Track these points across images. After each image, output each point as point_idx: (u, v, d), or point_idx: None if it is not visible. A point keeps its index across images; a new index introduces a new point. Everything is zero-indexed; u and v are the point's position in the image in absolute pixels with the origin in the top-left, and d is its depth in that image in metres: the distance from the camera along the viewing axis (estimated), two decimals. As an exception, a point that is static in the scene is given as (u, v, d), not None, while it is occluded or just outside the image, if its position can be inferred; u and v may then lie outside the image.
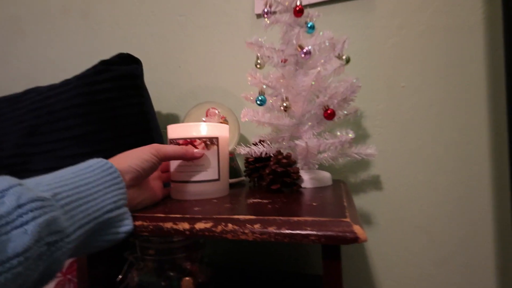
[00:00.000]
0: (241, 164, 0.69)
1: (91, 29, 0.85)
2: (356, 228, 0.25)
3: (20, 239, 0.20)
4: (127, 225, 0.31)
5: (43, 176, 0.27)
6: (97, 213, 0.28)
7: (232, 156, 0.61)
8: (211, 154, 0.41)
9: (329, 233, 0.25)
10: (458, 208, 0.58)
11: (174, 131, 0.43)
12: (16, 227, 0.20)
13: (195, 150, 0.40)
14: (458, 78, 0.58)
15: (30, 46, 0.93)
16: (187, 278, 0.39)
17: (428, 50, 0.59)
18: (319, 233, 0.25)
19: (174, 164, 0.42)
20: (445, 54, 0.59)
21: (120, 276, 0.40)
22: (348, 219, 0.26)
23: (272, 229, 0.27)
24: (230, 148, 0.63)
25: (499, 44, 0.55)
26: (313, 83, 0.44)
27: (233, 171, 0.59)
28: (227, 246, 0.70)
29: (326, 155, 0.53)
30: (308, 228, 0.26)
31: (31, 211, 0.21)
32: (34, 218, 0.21)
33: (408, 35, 0.60)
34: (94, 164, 0.31)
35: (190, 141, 0.40)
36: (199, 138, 0.40)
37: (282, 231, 0.26)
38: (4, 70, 0.99)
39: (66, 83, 0.67)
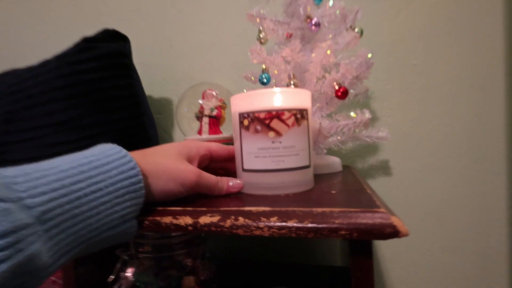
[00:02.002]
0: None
1: (71, 5, 0.77)
2: (395, 220, 0.21)
3: None
4: (128, 238, 0.25)
5: (45, 169, 0.21)
6: (93, 233, 0.22)
7: (232, 142, 0.56)
8: (301, 131, 0.30)
9: (362, 226, 0.21)
10: (471, 193, 0.55)
11: (247, 101, 0.31)
12: None
13: (238, 182, 0.31)
14: (475, 54, 0.54)
15: (3, 24, 0.85)
16: (188, 277, 0.35)
17: (442, 24, 0.55)
18: (350, 226, 0.21)
19: (247, 146, 0.31)
20: (461, 27, 0.54)
21: (112, 276, 0.36)
22: (383, 209, 0.22)
23: (292, 223, 0.22)
24: (230, 133, 0.59)
25: (520, 16, 0.51)
26: (328, 52, 0.39)
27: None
28: (229, 240, 0.66)
29: (335, 139, 0.49)
30: (337, 221, 0.22)
31: (1, 250, 0.16)
32: (2, 261, 0.16)
33: (421, 7, 0.56)
34: (112, 159, 0.24)
35: (277, 114, 0.29)
36: (288, 110, 0.30)
37: (305, 225, 0.22)
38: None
39: (45, 63, 0.61)
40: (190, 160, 0.30)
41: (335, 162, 0.47)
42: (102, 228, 0.22)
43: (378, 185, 0.59)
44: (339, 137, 0.48)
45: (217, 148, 0.34)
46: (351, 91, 0.50)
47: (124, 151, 0.25)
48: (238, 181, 0.32)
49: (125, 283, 0.34)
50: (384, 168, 0.59)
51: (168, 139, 0.73)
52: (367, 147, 0.59)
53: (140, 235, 0.36)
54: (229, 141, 0.55)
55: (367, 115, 0.41)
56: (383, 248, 0.59)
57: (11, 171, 0.19)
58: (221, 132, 0.56)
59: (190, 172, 0.28)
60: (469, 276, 0.55)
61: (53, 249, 0.19)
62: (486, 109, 0.54)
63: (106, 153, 0.24)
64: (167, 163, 0.28)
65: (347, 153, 0.61)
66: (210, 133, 0.55)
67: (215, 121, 0.56)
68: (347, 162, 0.61)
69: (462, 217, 0.55)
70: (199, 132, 0.56)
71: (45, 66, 0.60)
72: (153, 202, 0.28)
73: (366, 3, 0.58)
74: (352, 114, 0.42)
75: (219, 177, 0.31)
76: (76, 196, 0.21)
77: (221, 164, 0.37)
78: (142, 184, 0.25)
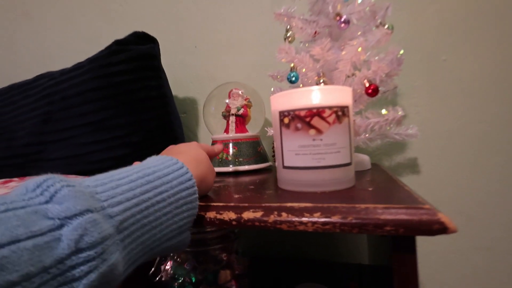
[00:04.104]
0: (267, 149, 0.65)
1: (99, 9, 0.80)
2: (442, 217, 0.21)
3: None
4: (182, 249, 0.26)
5: (117, 178, 0.21)
6: (156, 243, 0.23)
7: (258, 140, 0.57)
8: (342, 129, 0.30)
9: (409, 223, 0.21)
10: (503, 192, 0.53)
11: (286, 99, 0.32)
12: (63, 284, 0.15)
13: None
14: (506, 49, 0.52)
15: (37, 30, 0.89)
16: (225, 270, 0.36)
17: (473, 18, 0.54)
18: (396, 222, 0.21)
19: (288, 143, 0.31)
20: (492, 22, 0.53)
21: (152, 269, 0.37)
22: (428, 206, 0.22)
23: (337, 219, 0.23)
24: (256, 131, 0.60)
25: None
26: (360, 50, 0.39)
27: (260, 156, 0.55)
28: (259, 237, 0.67)
29: (363, 136, 0.48)
30: (381, 217, 0.22)
31: (89, 261, 0.16)
32: (88, 273, 0.16)
33: (451, 1, 0.54)
34: (172, 170, 0.25)
35: (317, 112, 0.30)
36: (329, 108, 0.30)
37: (349, 221, 0.23)
38: (11, 56, 0.95)
39: (78, 66, 0.63)
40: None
41: (365, 160, 0.47)
42: (163, 239, 0.23)
43: (405, 183, 0.58)
44: (367, 135, 0.48)
45: (206, 146, 0.37)
46: (380, 88, 0.49)
47: (180, 162, 0.26)
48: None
49: (165, 275, 0.36)
50: (411, 166, 0.58)
51: (193, 137, 0.75)
52: (393, 145, 0.59)
53: (178, 230, 0.38)
54: (254, 139, 0.56)
55: (400, 112, 0.41)
56: (411, 246, 0.59)
57: (90, 182, 0.20)
58: (247, 131, 0.57)
59: (214, 174, 0.32)
60: (502, 276, 0.54)
61: (126, 258, 0.20)
62: (521, 105, 0.52)
63: (165, 164, 0.25)
64: (207, 171, 0.30)
65: (373, 151, 0.60)
66: (236, 131, 0.56)
67: (242, 120, 0.57)
68: (374, 160, 0.60)
69: (494, 216, 0.54)
70: (226, 131, 0.57)
71: (79, 69, 0.63)
72: None
73: (393, -2, 0.57)
74: (384, 111, 0.42)
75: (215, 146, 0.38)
76: (146, 206, 0.21)
77: None
78: (196, 196, 0.25)
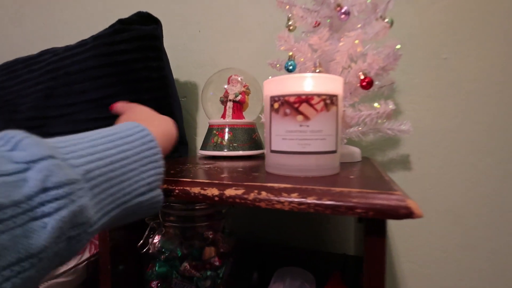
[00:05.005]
0: (262, 137, 0.66)
1: (107, -12, 0.80)
2: (410, 203, 0.22)
3: (36, 235, 0.16)
4: (157, 207, 0.27)
5: (78, 138, 0.22)
6: (127, 197, 0.24)
7: (254, 127, 0.58)
8: (330, 117, 0.31)
9: (378, 206, 0.22)
10: (492, 193, 0.54)
11: (278, 85, 0.32)
12: (35, 219, 0.16)
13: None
14: (509, 51, 0.52)
15: (45, 5, 0.90)
16: (209, 247, 0.37)
17: (476, 18, 0.53)
18: (366, 205, 0.22)
19: (276, 128, 0.32)
20: (495, 22, 0.52)
21: (141, 241, 0.39)
22: (399, 192, 0.23)
23: (312, 199, 0.24)
24: (253, 119, 0.60)
25: None
26: (357, 42, 0.39)
27: (254, 143, 0.56)
28: (247, 219, 0.69)
29: (356, 129, 0.49)
30: (354, 200, 0.23)
31: (57, 199, 0.17)
32: (58, 210, 0.17)
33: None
34: (134, 132, 0.26)
35: (306, 98, 0.30)
36: (318, 95, 0.31)
37: (324, 202, 0.24)
38: (18, 31, 0.96)
39: (82, 43, 0.64)
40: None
41: (355, 152, 0.48)
42: (133, 193, 0.24)
43: (396, 179, 0.59)
44: (360, 128, 0.49)
45: None
46: (376, 82, 0.50)
47: (141, 125, 0.27)
48: None
49: (152, 248, 0.38)
50: (404, 162, 0.59)
51: (192, 121, 0.76)
52: (387, 140, 0.59)
53: (167, 206, 0.39)
54: (251, 126, 0.57)
55: (391, 106, 0.41)
56: (397, 241, 0.60)
57: (51, 140, 0.21)
58: (243, 117, 0.58)
59: (173, 123, 0.34)
60: (484, 274, 0.55)
61: (97, 207, 0.21)
62: (516, 108, 0.52)
63: (127, 126, 0.27)
64: (163, 125, 0.32)
65: (367, 145, 0.61)
66: (233, 117, 0.57)
67: (239, 106, 0.58)
68: (366, 154, 0.61)
69: (480, 216, 0.55)
70: (223, 116, 0.58)
71: (83, 46, 0.63)
72: None
73: (398, -7, 0.56)
74: (376, 104, 0.43)
75: None
76: (109, 161, 0.23)
77: None
78: (161, 155, 0.27)
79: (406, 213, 0.21)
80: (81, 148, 0.22)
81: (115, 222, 0.24)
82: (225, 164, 0.45)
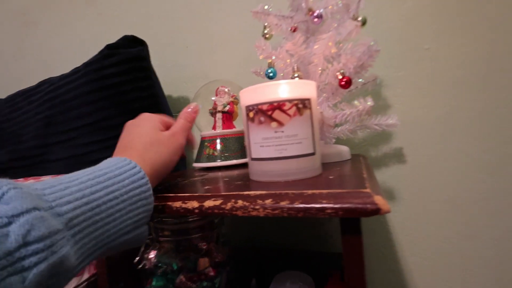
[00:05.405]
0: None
1: (96, 14, 0.83)
2: (377, 199, 0.22)
3: None
4: (141, 242, 0.27)
5: (67, 181, 0.23)
6: (111, 237, 0.24)
7: (244, 135, 0.59)
8: (303, 120, 0.32)
9: (347, 205, 0.23)
10: (490, 178, 0.53)
11: (252, 94, 0.33)
12: (14, 274, 0.17)
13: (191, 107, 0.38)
14: (490, 35, 0.52)
15: (41, 37, 0.94)
16: (203, 258, 0.38)
17: (455, 5, 0.53)
18: (336, 205, 0.23)
19: (253, 136, 0.33)
20: (474, 8, 0.52)
21: (137, 258, 0.40)
22: (368, 190, 0.24)
23: (284, 204, 0.25)
24: (242, 127, 0.61)
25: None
26: (330, 44, 0.40)
27: (244, 150, 0.57)
28: (246, 226, 0.69)
29: (344, 128, 0.49)
30: (324, 201, 0.24)
31: (37, 253, 0.18)
32: (37, 263, 0.18)
33: (432, -10, 0.54)
34: (124, 170, 0.26)
35: (278, 105, 0.31)
36: (289, 101, 0.32)
37: (295, 205, 0.24)
38: (18, 63, 1.01)
39: (75, 71, 0.67)
40: (160, 127, 0.34)
41: (343, 150, 0.48)
42: (118, 233, 0.25)
43: (392, 173, 0.59)
44: (347, 126, 0.49)
45: (166, 117, 0.37)
46: (360, 80, 0.50)
47: (133, 162, 0.27)
48: (192, 105, 0.39)
49: (148, 263, 0.39)
50: (397, 156, 0.59)
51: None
52: (379, 135, 0.59)
53: (160, 221, 0.41)
54: (241, 135, 0.58)
55: (369, 102, 0.42)
56: (400, 236, 0.59)
57: (38, 185, 0.22)
58: (234, 127, 0.59)
59: (176, 139, 0.34)
60: (489, 262, 0.54)
61: (78, 252, 0.22)
62: (501, 93, 0.52)
63: (117, 165, 0.26)
64: (162, 151, 0.31)
65: (360, 142, 0.61)
66: (223, 127, 0.58)
67: (228, 116, 0.59)
68: (360, 151, 0.61)
69: (480, 203, 0.54)
70: (214, 127, 0.59)
71: (76, 73, 0.66)
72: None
73: (374, -11, 0.57)
74: (356, 102, 0.43)
75: (179, 119, 0.37)
76: (96, 204, 0.23)
77: None
78: (151, 192, 0.27)
79: (373, 210, 0.22)
80: (68, 193, 0.22)
81: (97, 258, 0.25)
82: (219, 174, 0.46)
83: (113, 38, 0.64)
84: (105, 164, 0.27)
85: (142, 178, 0.27)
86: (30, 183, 0.22)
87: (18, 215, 0.18)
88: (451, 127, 0.55)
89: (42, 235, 0.18)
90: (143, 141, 0.31)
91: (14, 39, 0.99)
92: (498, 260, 0.53)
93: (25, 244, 0.17)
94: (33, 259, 0.17)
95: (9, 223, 0.17)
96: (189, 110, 0.39)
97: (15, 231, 0.17)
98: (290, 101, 0.32)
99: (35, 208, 0.19)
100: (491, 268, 0.53)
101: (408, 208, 0.58)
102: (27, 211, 0.18)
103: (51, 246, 0.19)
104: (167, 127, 0.36)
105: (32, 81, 0.78)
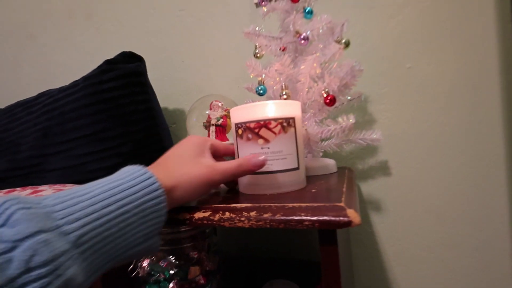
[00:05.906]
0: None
1: (95, 30, 0.86)
2: (350, 212, 0.25)
3: None
4: (153, 252, 0.27)
5: (79, 195, 0.23)
6: (121, 251, 0.24)
7: (237, 148, 0.61)
8: (288, 138, 0.34)
9: (323, 217, 0.25)
10: (470, 190, 0.56)
11: (241, 113, 0.36)
12: None
13: (259, 158, 0.32)
14: (468, 54, 0.55)
15: (41, 50, 0.97)
16: (194, 267, 0.40)
17: (434, 27, 0.57)
18: (313, 218, 0.25)
19: (242, 151, 0.35)
20: (453, 28, 0.56)
21: (131, 266, 0.42)
22: (342, 204, 0.26)
23: (267, 216, 0.27)
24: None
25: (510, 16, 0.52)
26: (315, 65, 0.43)
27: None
28: (237, 236, 0.71)
29: (330, 142, 0.52)
30: (302, 214, 0.26)
31: (40, 278, 0.17)
32: None
33: (412, 13, 0.58)
34: (138, 181, 0.25)
35: (264, 124, 0.34)
36: (275, 120, 0.34)
37: (276, 218, 0.27)
38: (18, 75, 1.03)
39: (74, 84, 0.70)
40: (204, 154, 0.33)
41: (330, 164, 0.51)
42: (128, 246, 0.24)
43: (378, 185, 0.62)
44: (333, 141, 0.52)
45: (217, 142, 0.37)
46: (347, 97, 0.53)
47: (149, 172, 0.26)
48: (261, 157, 0.33)
49: (142, 271, 0.40)
50: (383, 169, 0.61)
51: (183, 146, 0.79)
52: (366, 149, 0.62)
53: (153, 231, 0.42)
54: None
55: (351, 120, 0.44)
56: (385, 246, 0.62)
57: (49, 200, 0.22)
58: (227, 139, 0.62)
59: (213, 172, 0.31)
60: (470, 271, 0.56)
61: (87, 269, 0.21)
62: (482, 107, 0.55)
63: (132, 175, 0.26)
64: (190, 172, 0.30)
65: (347, 155, 0.64)
66: (217, 140, 0.61)
67: (221, 129, 0.62)
68: (347, 164, 0.64)
69: (461, 213, 0.56)
70: (207, 140, 0.61)
71: (75, 86, 0.69)
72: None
73: (359, 11, 0.61)
74: (340, 119, 0.46)
75: (240, 160, 0.33)
76: (107, 219, 0.23)
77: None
78: (165, 204, 0.26)
79: (345, 222, 0.24)
80: (79, 208, 0.22)
81: (106, 271, 0.25)
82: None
83: (111, 53, 0.67)
84: (121, 174, 0.26)
85: (157, 189, 0.26)
86: (41, 198, 0.22)
87: (22, 239, 0.18)
88: (434, 140, 0.58)
89: (45, 260, 0.18)
90: (176, 160, 0.31)
91: (14, 51, 1.01)
92: (479, 268, 0.55)
93: (28, 270, 0.17)
94: (36, 284, 0.17)
95: (13, 248, 0.17)
96: (254, 160, 0.33)
97: (18, 256, 0.17)
98: (275, 120, 0.34)
99: (40, 231, 0.19)
100: (473, 276, 0.56)
101: (393, 219, 0.61)
102: (32, 235, 0.18)
103: (56, 270, 0.18)
104: (217, 151, 0.36)
105: (32, 93, 0.81)
